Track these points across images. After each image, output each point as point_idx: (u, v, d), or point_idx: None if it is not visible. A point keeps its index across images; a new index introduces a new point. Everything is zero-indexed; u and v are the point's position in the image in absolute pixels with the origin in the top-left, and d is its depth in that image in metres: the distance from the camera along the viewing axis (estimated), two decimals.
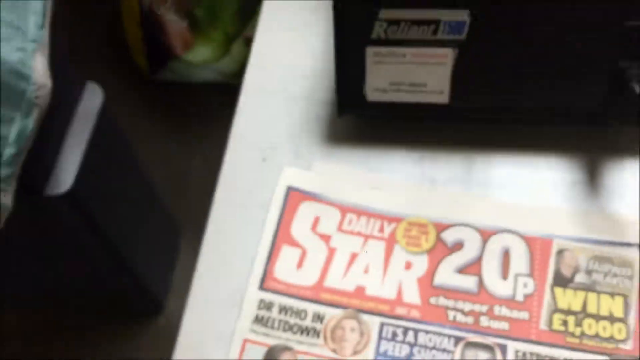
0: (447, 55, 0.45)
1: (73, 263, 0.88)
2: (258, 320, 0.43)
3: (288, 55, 0.55)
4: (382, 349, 0.41)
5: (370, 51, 0.46)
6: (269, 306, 0.43)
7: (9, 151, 0.63)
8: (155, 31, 1.19)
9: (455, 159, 0.49)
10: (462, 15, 0.43)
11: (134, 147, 0.95)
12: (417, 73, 0.46)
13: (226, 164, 0.51)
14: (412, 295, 0.43)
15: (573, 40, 0.43)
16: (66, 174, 0.76)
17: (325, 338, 0.42)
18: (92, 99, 0.82)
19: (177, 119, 1.32)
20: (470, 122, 0.49)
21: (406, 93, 0.47)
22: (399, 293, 0.43)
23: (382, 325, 0.42)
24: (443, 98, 0.47)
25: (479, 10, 0.43)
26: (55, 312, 1.09)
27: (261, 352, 0.42)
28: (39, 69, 0.66)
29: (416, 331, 0.42)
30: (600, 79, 0.44)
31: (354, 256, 0.45)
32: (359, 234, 0.46)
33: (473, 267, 0.44)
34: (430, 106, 0.47)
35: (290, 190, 0.47)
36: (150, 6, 1.15)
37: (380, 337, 0.42)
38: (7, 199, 0.64)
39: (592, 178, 0.46)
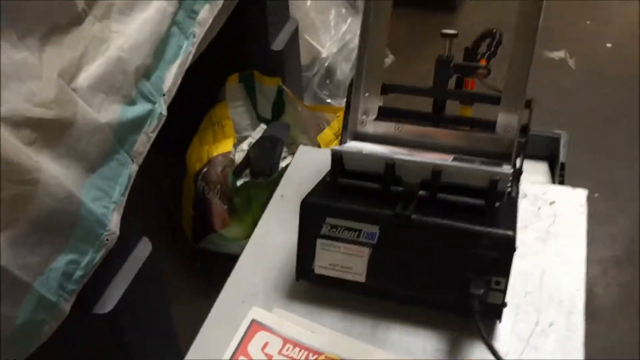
0: (365, 252, 0.70)
1: None
2: None
3: (273, 240, 0.81)
4: None
5: (319, 242, 0.71)
6: None
7: (78, 273, 0.88)
8: (202, 210, 1.49)
9: (366, 320, 0.71)
10: (375, 229, 0.69)
11: (167, 290, 1.19)
12: (346, 260, 0.70)
13: (218, 302, 0.74)
14: None
15: (440, 255, 0.67)
16: (111, 299, 1.00)
17: None
18: (143, 249, 1.08)
19: (206, 279, 1.57)
20: (379, 296, 0.72)
21: (339, 271, 0.71)
22: None
23: None
24: (361, 278, 0.71)
25: (385, 228, 0.68)
26: None
27: None
28: (114, 222, 0.94)
29: None
30: (456, 283, 0.67)
31: None
32: (292, 358, 0.67)
33: None
34: (353, 282, 0.71)
35: (253, 321, 0.70)
36: (203, 191, 1.46)
37: None
38: (67, 307, 0.88)
39: (451, 349, 0.68)
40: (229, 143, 1.50)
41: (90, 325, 1.00)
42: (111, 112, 0.93)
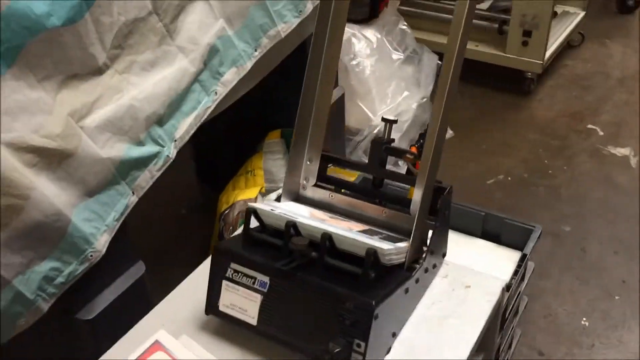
0: (257, 298, 0.78)
1: None
2: None
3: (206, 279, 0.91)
4: None
5: (224, 283, 0.80)
6: None
7: (60, 280, 1.03)
8: None
9: None
10: (266, 279, 0.77)
11: None
12: (243, 303, 0.79)
13: (141, 321, 0.85)
14: None
15: (314, 311, 0.74)
16: (95, 308, 1.14)
17: None
18: (137, 270, 1.22)
19: None
20: (267, 339, 0.80)
21: (237, 312, 0.80)
22: None
23: None
24: (254, 321, 0.79)
25: (274, 279, 0.77)
26: None
27: None
28: (101, 242, 1.08)
29: None
30: (326, 339, 0.73)
31: None
32: None
33: None
34: (248, 324, 0.79)
35: (156, 342, 0.80)
36: (222, 230, 1.59)
37: None
38: (44, 306, 1.02)
39: None
40: (255, 191, 1.63)
41: (71, 329, 1.14)
42: (115, 150, 1.09)
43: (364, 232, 0.82)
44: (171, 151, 1.20)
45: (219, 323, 0.84)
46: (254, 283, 0.78)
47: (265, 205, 0.84)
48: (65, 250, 1.03)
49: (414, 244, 0.80)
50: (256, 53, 1.38)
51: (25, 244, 0.97)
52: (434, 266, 0.88)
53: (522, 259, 1.08)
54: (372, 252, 0.73)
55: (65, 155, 1.00)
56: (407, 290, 0.79)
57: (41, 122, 0.96)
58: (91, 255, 1.07)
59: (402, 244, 0.79)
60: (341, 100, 1.89)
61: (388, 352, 0.78)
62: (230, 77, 1.33)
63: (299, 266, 0.76)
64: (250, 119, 1.91)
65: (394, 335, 0.79)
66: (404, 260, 0.80)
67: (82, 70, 1.03)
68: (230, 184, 1.74)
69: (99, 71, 1.06)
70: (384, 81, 2.19)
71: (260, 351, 0.80)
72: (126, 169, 1.12)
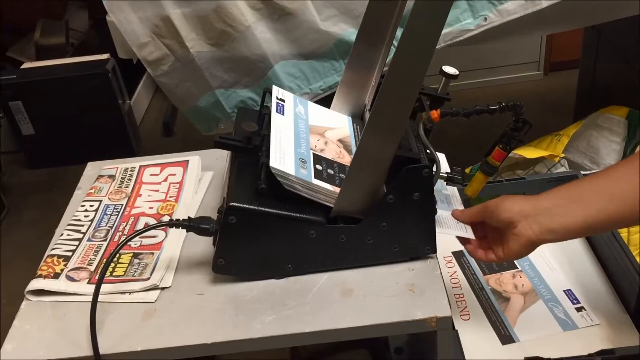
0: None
1: None
2: None
3: None
4: None
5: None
6: None
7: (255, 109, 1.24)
8: None
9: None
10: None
11: None
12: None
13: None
14: None
15: (223, 191, 0.76)
16: None
17: None
18: None
19: None
20: None
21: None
22: None
23: None
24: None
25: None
26: None
27: None
28: None
29: None
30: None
31: None
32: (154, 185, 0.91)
33: None
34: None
35: (187, 161, 0.94)
36: None
37: None
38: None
39: None
40: (545, 154, 1.43)
41: None
42: (337, 28, 1.17)
43: (336, 165, 0.74)
44: None
45: None
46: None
47: (282, 94, 0.82)
48: (263, 88, 1.22)
49: (342, 196, 0.68)
50: None
51: (232, 67, 1.20)
52: (395, 247, 0.72)
53: None
54: (262, 164, 0.68)
55: (285, 13, 1.15)
56: (312, 234, 0.70)
57: None
58: None
59: (321, 184, 0.69)
60: None
61: (266, 277, 0.72)
62: (513, 8, 1.17)
63: (246, 149, 0.75)
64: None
65: (278, 265, 0.71)
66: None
67: None
68: (538, 140, 1.54)
69: None
70: None
71: None
72: (344, 48, 1.19)
